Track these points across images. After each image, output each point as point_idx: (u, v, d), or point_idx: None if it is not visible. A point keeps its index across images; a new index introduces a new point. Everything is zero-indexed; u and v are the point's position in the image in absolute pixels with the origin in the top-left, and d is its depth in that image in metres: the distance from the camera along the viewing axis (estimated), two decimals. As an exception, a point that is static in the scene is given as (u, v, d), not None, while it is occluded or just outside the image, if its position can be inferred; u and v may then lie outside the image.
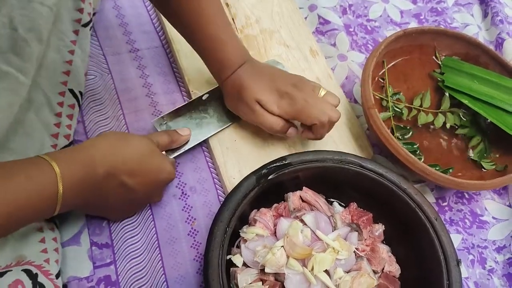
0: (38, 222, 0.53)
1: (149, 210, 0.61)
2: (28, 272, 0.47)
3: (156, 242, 0.60)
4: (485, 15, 0.88)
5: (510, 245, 0.66)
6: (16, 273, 0.46)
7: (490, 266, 0.65)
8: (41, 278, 0.48)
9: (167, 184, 0.60)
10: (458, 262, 0.53)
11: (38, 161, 0.46)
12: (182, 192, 0.64)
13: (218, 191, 0.64)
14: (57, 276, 0.50)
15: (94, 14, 0.72)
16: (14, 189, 0.42)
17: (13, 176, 0.43)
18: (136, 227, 0.60)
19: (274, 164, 0.57)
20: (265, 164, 0.57)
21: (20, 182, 0.43)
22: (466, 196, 0.70)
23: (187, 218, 0.62)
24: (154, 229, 0.60)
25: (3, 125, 0.51)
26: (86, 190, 0.49)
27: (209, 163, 0.66)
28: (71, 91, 0.61)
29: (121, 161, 0.51)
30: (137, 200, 0.57)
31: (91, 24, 0.69)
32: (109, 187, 0.51)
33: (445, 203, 0.69)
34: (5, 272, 0.46)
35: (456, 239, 0.66)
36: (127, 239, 0.59)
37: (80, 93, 0.63)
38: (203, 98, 0.67)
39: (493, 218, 0.69)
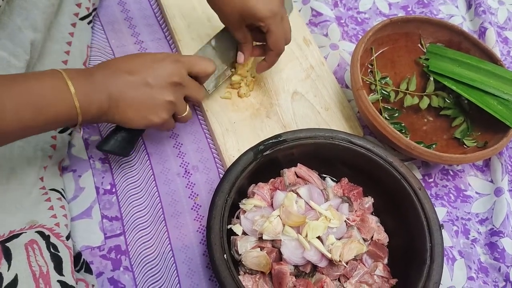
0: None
1: (155, 188, 0.66)
2: (41, 233, 0.52)
3: (162, 215, 0.64)
4: (469, 6, 0.93)
5: (491, 217, 0.70)
6: (31, 234, 0.51)
7: (473, 236, 0.69)
8: (53, 239, 0.52)
9: (170, 76, 0.57)
10: (440, 226, 0.58)
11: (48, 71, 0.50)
12: (186, 171, 0.68)
13: (219, 169, 0.69)
14: (67, 238, 0.54)
15: (94, 9, 0.77)
16: (28, 89, 0.46)
17: (26, 80, 0.47)
18: (143, 202, 0.65)
19: (270, 141, 0.62)
20: (262, 141, 0.62)
21: (33, 84, 0.47)
22: (451, 173, 0.75)
23: (190, 194, 0.67)
24: (160, 204, 0.65)
25: None
26: (96, 83, 0.52)
27: (210, 144, 0.71)
28: None
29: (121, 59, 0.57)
30: (147, 91, 0.56)
31: (90, 18, 0.74)
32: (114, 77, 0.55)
33: (431, 180, 0.73)
34: (21, 234, 0.51)
35: (441, 212, 0.70)
36: (135, 213, 0.64)
37: None
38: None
39: (476, 193, 0.74)
